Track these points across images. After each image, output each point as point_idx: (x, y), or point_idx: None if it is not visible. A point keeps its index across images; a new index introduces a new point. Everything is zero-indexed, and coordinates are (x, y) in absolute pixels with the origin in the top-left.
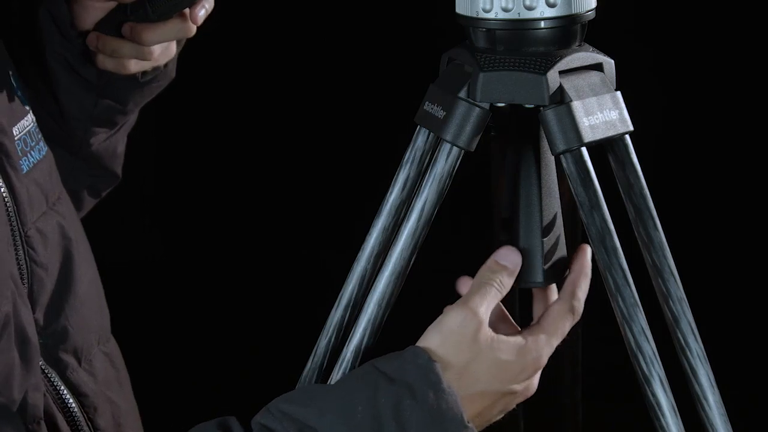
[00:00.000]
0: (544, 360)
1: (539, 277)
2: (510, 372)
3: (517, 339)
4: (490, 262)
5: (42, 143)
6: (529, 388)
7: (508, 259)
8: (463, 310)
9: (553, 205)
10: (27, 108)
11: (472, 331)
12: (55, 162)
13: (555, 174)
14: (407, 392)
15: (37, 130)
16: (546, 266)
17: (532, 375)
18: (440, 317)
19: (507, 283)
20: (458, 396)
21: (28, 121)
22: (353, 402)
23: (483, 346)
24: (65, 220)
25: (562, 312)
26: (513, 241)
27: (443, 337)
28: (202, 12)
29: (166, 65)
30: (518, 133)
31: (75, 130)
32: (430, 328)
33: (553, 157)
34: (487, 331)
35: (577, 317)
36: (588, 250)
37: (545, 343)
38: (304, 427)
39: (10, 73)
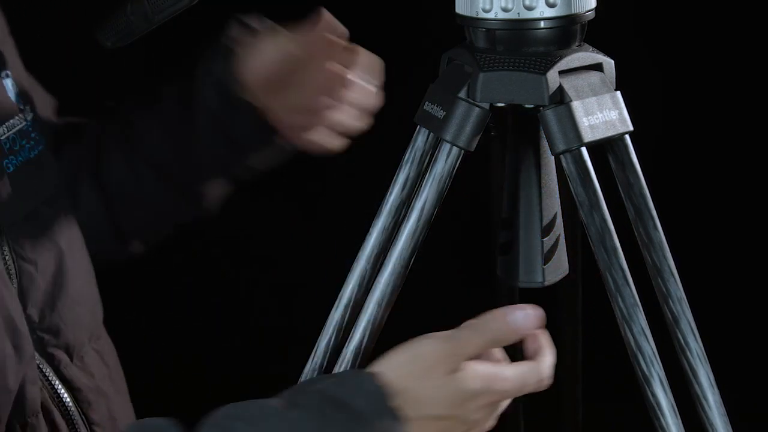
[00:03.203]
0: (503, 405)
1: (539, 277)
2: (465, 397)
3: (487, 370)
4: (501, 318)
5: (35, 143)
6: (483, 423)
7: (526, 323)
8: (441, 341)
9: (553, 205)
10: (21, 107)
11: (441, 362)
12: (155, 198)
13: (555, 174)
14: (353, 420)
15: (31, 129)
16: (546, 266)
17: (489, 412)
18: (414, 341)
19: (506, 340)
20: (407, 422)
21: (19, 120)
22: (301, 425)
23: (449, 378)
24: (57, 219)
25: (533, 371)
26: (513, 241)
27: (409, 360)
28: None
29: None
30: (518, 133)
31: (190, 179)
32: (399, 348)
33: (552, 157)
34: (456, 364)
35: (541, 387)
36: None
37: (509, 389)
38: None
39: (1, 74)
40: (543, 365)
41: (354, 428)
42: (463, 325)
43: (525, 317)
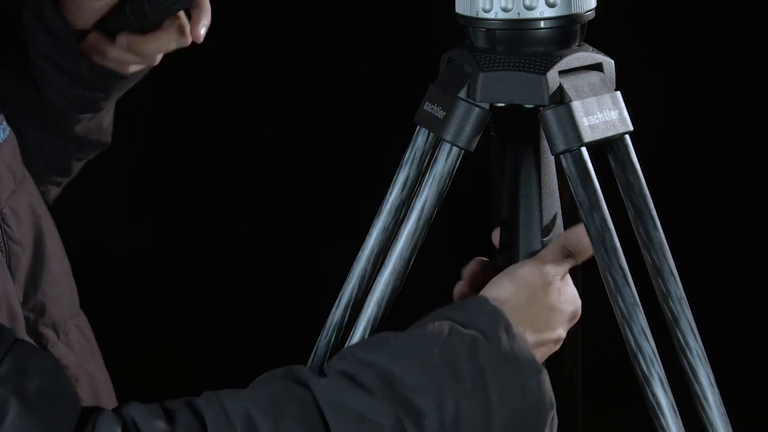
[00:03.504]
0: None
1: None
2: (563, 318)
3: (573, 289)
4: (581, 233)
5: (5, 124)
6: (563, 337)
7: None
8: (535, 263)
9: (553, 205)
10: None
11: (541, 281)
12: (41, 144)
13: (555, 174)
14: (481, 335)
15: (1, 111)
16: None
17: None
18: (512, 269)
19: (582, 256)
20: (528, 341)
21: None
22: (428, 345)
23: (553, 300)
24: (33, 198)
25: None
26: (513, 241)
27: (516, 288)
28: (203, 30)
29: None
30: (518, 133)
31: (59, 118)
32: (500, 277)
33: (552, 157)
34: (556, 288)
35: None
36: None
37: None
38: (381, 371)
39: None
40: None
41: (478, 342)
42: (547, 247)
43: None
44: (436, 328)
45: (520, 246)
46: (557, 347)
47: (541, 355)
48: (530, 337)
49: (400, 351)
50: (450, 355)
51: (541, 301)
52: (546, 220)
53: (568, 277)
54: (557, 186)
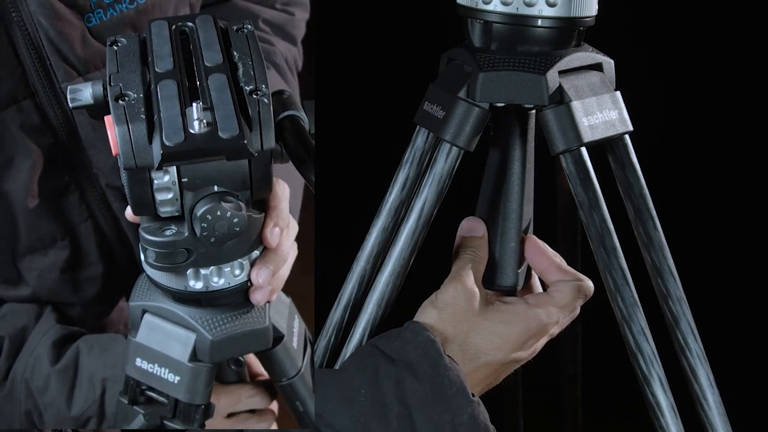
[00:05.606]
0: (554, 330)
1: (511, 281)
2: (512, 341)
3: (517, 307)
4: (458, 239)
5: None
6: (533, 353)
7: (472, 229)
8: (454, 283)
9: (530, 211)
10: None
11: (466, 302)
12: None
13: (533, 181)
14: (408, 372)
15: None
16: (520, 270)
17: (535, 343)
18: (433, 294)
19: (482, 249)
20: (461, 370)
21: None
22: (356, 386)
23: (479, 316)
24: None
25: (573, 289)
26: (492, 242)
27: (439, 312)
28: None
29: None
30: (505, 137)
31: None
32: (424, 305)
33: (533, 164)
34: (481, 301)
35: (589, 295)
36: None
37: (555, 315)
38: None
39: None
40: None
41: (405, 379)
42: (456, 263)
43: (467, 223)
44: (367, 364)
45: (497, 251)
46: (526, 358)
47: (488, 375)
48: (466, 365)
49: (328, 393)
50: (377, 395)
51: (466, 318)
52: (523, 226)
53: (522, 300)
54: (533, 194)
